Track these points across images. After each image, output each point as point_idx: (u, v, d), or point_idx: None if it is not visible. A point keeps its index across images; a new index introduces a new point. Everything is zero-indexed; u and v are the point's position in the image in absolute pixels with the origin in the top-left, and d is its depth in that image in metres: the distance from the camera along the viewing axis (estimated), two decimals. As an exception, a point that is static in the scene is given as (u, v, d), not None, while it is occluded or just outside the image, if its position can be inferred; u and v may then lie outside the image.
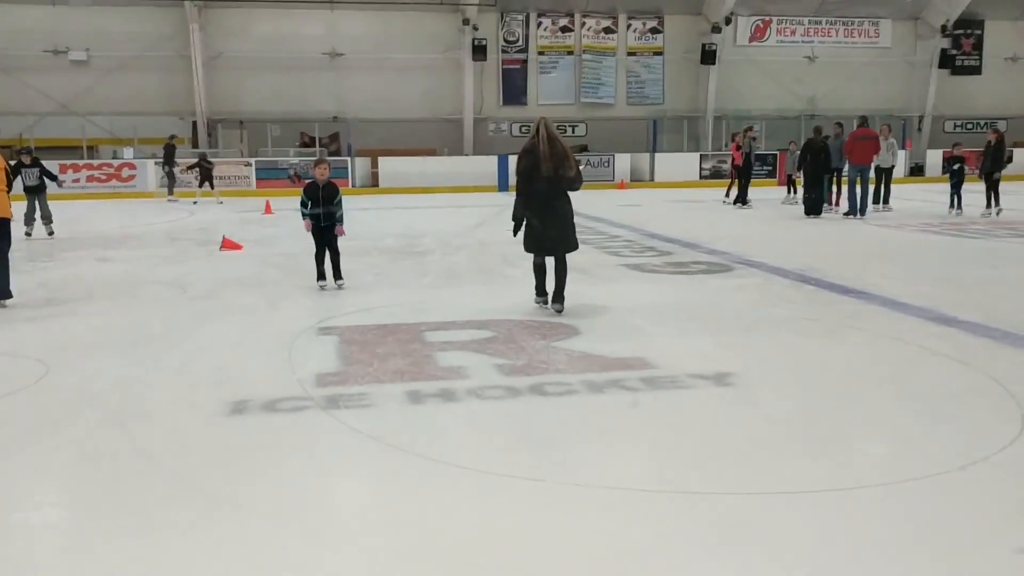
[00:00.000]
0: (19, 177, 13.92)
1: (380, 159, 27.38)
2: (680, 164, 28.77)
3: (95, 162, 25.79)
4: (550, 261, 7.53)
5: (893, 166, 17.90)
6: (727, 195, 20.57)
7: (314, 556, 3.10)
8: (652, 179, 28.44)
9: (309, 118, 28.00)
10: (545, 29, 29.80)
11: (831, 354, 6.08)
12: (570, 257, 7.55)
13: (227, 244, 12.30)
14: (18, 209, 10.67)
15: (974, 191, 16.92)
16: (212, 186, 21.97)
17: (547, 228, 7.34)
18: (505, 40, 29.56)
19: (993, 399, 4.92)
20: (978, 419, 4.56)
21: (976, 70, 32.43)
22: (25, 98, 26.16)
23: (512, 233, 7.61)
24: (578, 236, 7.71)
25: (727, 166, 23.69)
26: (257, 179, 25.98)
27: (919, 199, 20.57)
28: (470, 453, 4.14)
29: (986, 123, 28.12)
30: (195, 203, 21.60)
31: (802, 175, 17.38)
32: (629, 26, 30.35)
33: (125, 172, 25.59)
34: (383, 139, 27.78)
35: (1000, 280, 9.18)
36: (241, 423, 4.63)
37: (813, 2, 30.53)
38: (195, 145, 26.55)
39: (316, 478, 3.87)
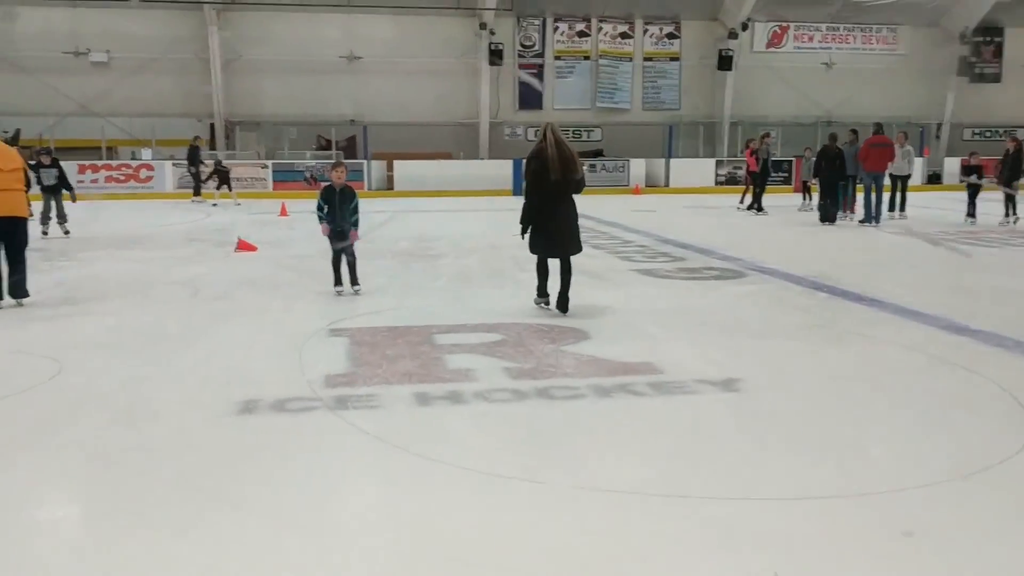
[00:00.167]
0: (37, 177, 14.12)
1: (396, 162, 27.50)
2: (696, 170, 28.77)
3: (114, 163, 26.04)
4: (554, 263, 7.66)
5: (909, 174, 17.81)
6: (742, 201, 20.55)
7: (316, 556, 3.12)
8: (667, 185, 28.42)
9: (326, 121, 28.16)
10: (562, 34, 29.85)
11: (840, 361, 6.06)
12: (582, 261, 7.64)
13: (242, 246, 12.38)
14: (35, 209, 10.79)
15: (992, 200, 16.80)
16: (230, 188, 22.11)
17: (554, 230, 7.51)
18: (522, 45, 29.62)
19: (1002, 409, 4.90)
20: (985, 428, 4.54)
21: (996, 78, 32.23)
22: (46, 99, 26.43)
23: (520, 235, 7.73)
24: (591, 240, 7.75)
25: (743, 172, 23.64)
26: (273, 181, 26.16)
27: (936, 207, 20.45)
28: (475, 455, 4.15)
29: (1005, 131, 27.93)
30: (214, 205, 21.75)
31: (817, 182, 17.33)
32: (646, 31, 30.36)
33: (143, 173, 25.82)
34: (399, 142, 27.89)
35: (1015, 290, 9.11)
36: (249, 423, 4.67)
37: (831, 8, 30.44)
38: (212, 147, 26.74)
39: (321, 478, 3.89)
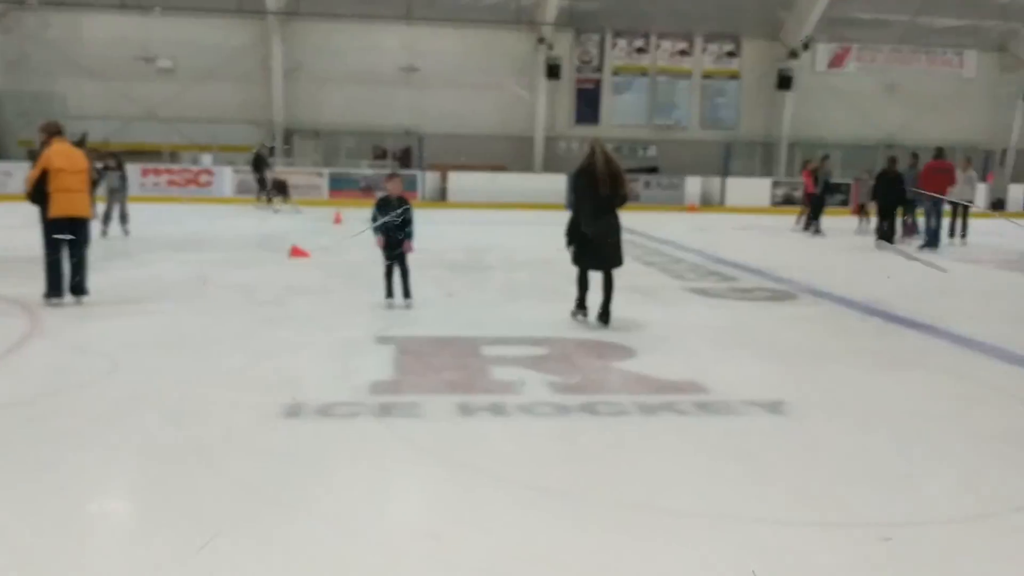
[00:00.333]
0: (104, 179, 14.54)
1: (450, 173, 27.68)
2: (752, 189, 28.47)
3: (175, 167, 26.63)
4: (595, 277, 7.76)
5: (972, 200, 17.41)
6: (798, 222, 20.29)
7: (355, 559, 3.15)
8: (722, 203, 28.17)
9: (382, 131, 28.48)
10: (620, 50, 29.82)
11: (891, 388, 5.95)
12: (633, 278, 7.64)
13: (296, 252, 12.55)
14: (98, 209, 11.06)
15: (1057, 228, 16.36)
16: (288, 196, 22.38)
17: (600, 244, 7.64)
18: (580, 60, 29.66)
19: (1059, 443, 4.76)
20: (1041, 462, 4.42)
21: (1064, 103, 31.40)
22: (113, 103, 27.14)
23: (566, 248, 7.85)
24: (643, 257, 7.77)
25: (799, 193, 23.34)
26: (330, 189, 26.51)
27: (999, 234, 19.97)
28: (515, 468, 4.16)
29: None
30: (276, 211, 22.08)
31: (875, 205, 17.04)
32: (705, 49, 30.18)
33: (203, 178, 26.36)
34: (454, 154, 28.06)
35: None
36: (295, 426, 4.73)
37: (896, 30, 29.96)
38: (270, 154, 27.20)
39: (363, 483, 3.93)
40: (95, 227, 10.27)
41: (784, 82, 29.36)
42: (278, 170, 23.71)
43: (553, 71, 28.46)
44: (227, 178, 26.21)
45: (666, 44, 29.96)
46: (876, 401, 5.61)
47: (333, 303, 8.77)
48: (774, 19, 29.54)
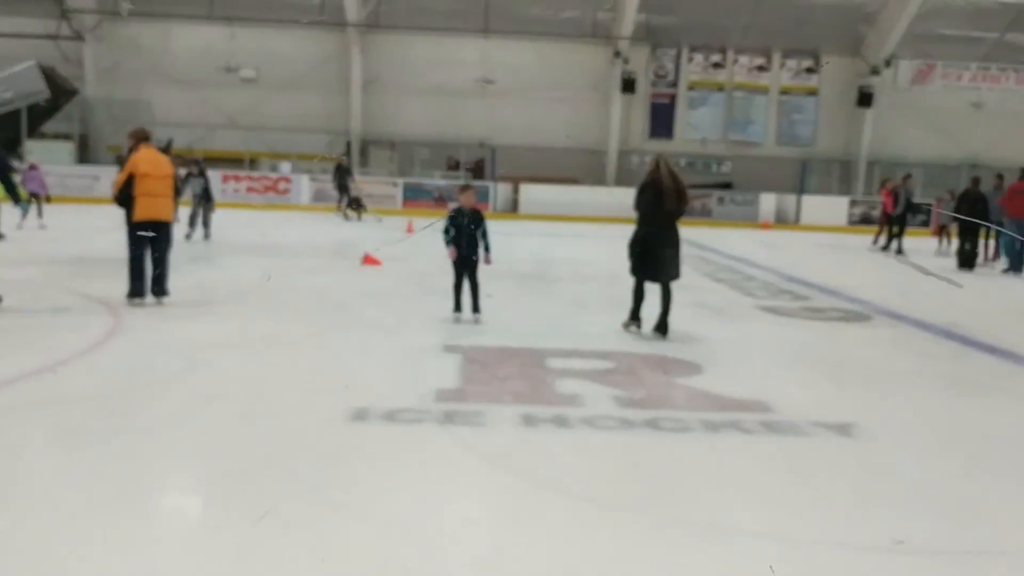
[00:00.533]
0: (188, 185, 15.04)
1: (522, 185, 27.80)
2: (828, 208, 27.92)
3: (255, 174, 27.32)
4: (651, 289, 7.91)
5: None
6: (875, 242, 19.85)
7: (415, 562, 3.20)
8: (797, 221, 27.70)
9: (456, 142, 28.78)
10: (696, 64, 29.61)
11: (965, 414, 5.79)
12: (703, 295, 7.60)
13: (368, 259, 12.76)
14: (183, 214, 11.42)
15: None
16: (365, 209, 22.72)
17: (662, 256, 7.78)
18: (655, 74, 29.54)
19: None
20: (1124, 497, 4.25)
21: None
22: (198, 111, 27.99)
23: (629, 259, 7.96)
24: (714, 274, 7.74)
25: (878, 212, 22.82)
26: (403, 199, 26.89)
27: (1089, 259, 19.18)
28: (576, 480, 4.17)
29: None
30: (347, 219, 22.46)
31: (957, 226, 16.57)
32: (783, 65, 29.78)
33: (281, 185, 26.98)
34: (526, 165, 28.18)
35: None
36: (360, 429, 4.82)
37: (982, 47, 29.14)
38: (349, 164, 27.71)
39: (424, 489, 3.98)
40: (179, 231, 10.60)
41: (864, 99, 28.78)
42: (358, 179, 24.08)
43: (628, 85, 28.40)
44: (304, 186, 26.79)
45: (743, 59, 29.65)
46: (949, 426, 5.47)
47: (402, 311, 8.89)
48: (855, 35, 29.00)
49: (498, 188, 27.32)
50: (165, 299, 8.55)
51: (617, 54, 28.37)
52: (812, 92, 29.89)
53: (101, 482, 3.90)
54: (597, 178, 29.04)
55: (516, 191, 27.93)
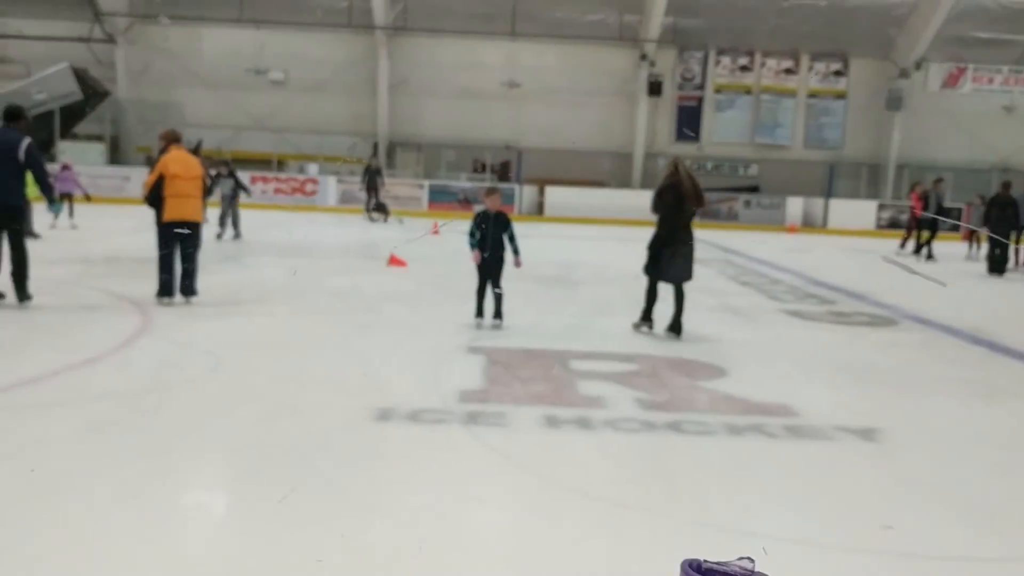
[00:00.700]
0: (217, 186, 15.22)
1: (547, 188, 27.82)
2: (856, 211, 27.70)
3: (282, 175, 27.54)
4: (664, 291, 8.02)
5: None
6: (903, 246, 19.69)
7: (433, 561, 3.23)
8: (825, 225, 27.50)
9: (482, 144, 28.84)
10: (723, 67, 29.49)
11: (992, 420, 5.74)
12: (728, 299, 7.62)
13: (393, 261, 12.81)
14: (212, 215, 11.55)
15: None
16: (389, 213, 22.85)
17: (680, 258, 7.89)
18: (682, 77, 29.45)
19: None
20: None
21: None
22: (227, 113, 28.27)
23: (648, 260, 8.05)
24: (739, 277, 7.78)
25: (906, 216, 22.62)
26: (429, 201, 27.00)
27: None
28: (598, 482, 4.18)
29: None
30: (373, 220, 22.57)
31: (987, 231, 16.40)
32: (811, 68, 29.58)
33: (308, 187, 27.19)
34: (552, 168, 28.20)
35: None
36: (383, 429, 4.86)
37: (1014, 50, 28.79)
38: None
39: (447, 489, 4.02)
40: (209, 231, 10.71)
41: (894, 102, 28.52)
42: (388, 181, 24.20)
43: (655, 88, 28.33)
44: (331, 187, 26.98)
45: (771, 62, 29.48)
46: (975, 432, 5.42)
47: (426, 312, 8.94)
48: (884, 38, 28.76)
49: (523, 190, 27.36)
50: (193, 299, 8.65)
51: (643, 57, 28.32)
52: (840, 95, 29.66)
53: (129, 477, 3.97)
54: (623, 181, 28.99)
55: (541, 193, 27.94)
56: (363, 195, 23.59)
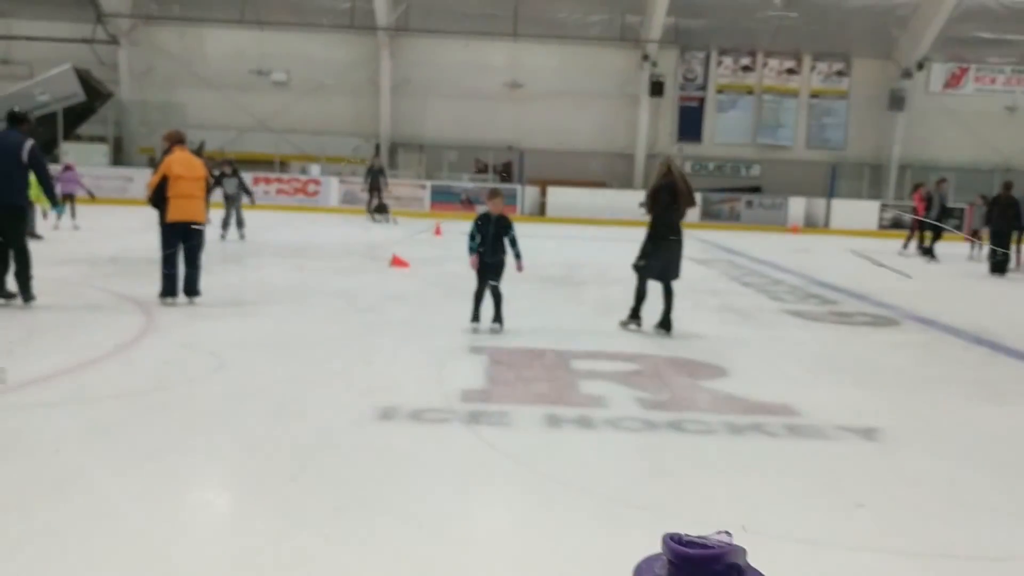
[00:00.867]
0: (220, 186, 15.30)
1: (549, 188, 27.85)
2: (858, 212, 27.70)
3: (285, 176, 27.60)
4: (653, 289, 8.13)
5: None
6: (905, 247, 19.70)
7: (432, 560, 3.26)
8: (827, 225, 27.51)
9: (485, 145, 28.88)
10: (725, 68, 29.50)
11: (994, 420, 5.75)
12: (730, 299, 7.65)
13: (396, 261, 12.85)
14: (216, 215, 11.56)
15: None
16: (388, 215, 22.89)
17: (673, 256, 8.01)
18: (684, 77, 29.47)
19: None
20: None
21: None
22: (229, 114, 28.33)
23: (641, 260, 8.10)
24: (741, 278, 7.83)
25: (909, 216, 22.62)
26: (431, 202, 27.03)
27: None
28: (599, 481, 4.20)
29: None
30: (376, 221, 22.59)
31: (989, 231, 16.41)
32: (813, 68, 29.59)
33: (311, 188, 27.23)
34: (554, 169, 28.24)
35: None
36: (387, 428, 4.89)
37: (1018, 50, 28.78)
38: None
39: (450, 488, 4.04)
40: (213, 232, 10.74)
41: (896, 102, 28.53)
42: (391, 182, 24.23)
43: (657, 88, 28.36)
44: (333, 188, 27.03)
45: (773, 62, 29.49)
46: (976, 432, 5.44)
47: (429, 312, 8.96)
48: (887, 38, 28.76)
49: (526, 191, 27.39)
50: (197, 299, 8.68)
51: (645, 57, 28.34)
52: (843, 95, 29.67)
53: (134, 476, 4.00)
54: (625, 181, 29.00)
55: (544, 194, 27.97)
56: (365, 195, 23.64)
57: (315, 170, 27.88)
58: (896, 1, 27.58)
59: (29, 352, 6.56)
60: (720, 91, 29.61)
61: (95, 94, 26.69)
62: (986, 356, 8.01)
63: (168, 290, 8.52)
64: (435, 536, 3.46)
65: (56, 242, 13.88)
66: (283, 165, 28.47)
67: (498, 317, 7.91)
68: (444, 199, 27.04)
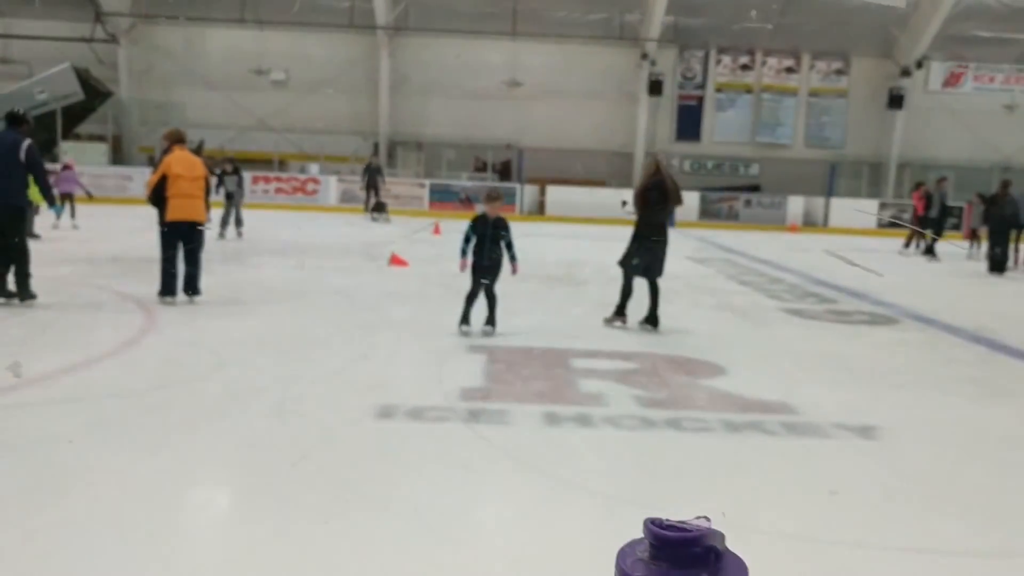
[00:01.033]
0: (222, 184, 15.37)
1: (548, 187, 27.86)
2: (870, 211, 27.69)
3: (284, 175, 27.62)
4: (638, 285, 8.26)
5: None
6: (906, 245, 19.74)
7: (432, 556, 3.28)
8: (826, 224, 27.55)
9: (484, 144, 28.91)
10: (724, 66, 29.53)
11: (993, 418, 5.77)
12: (728, 298, 7.68)
13: (395, 260, 12.87)
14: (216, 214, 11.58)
15: None
16: (386, 214, 22.92)
17: (659, 254, 8.15)
18: (683, 76, 29.49)
19: None
20: None
21: None
22: (229, 113, 28.36)
23: (630, 258, 8.23)
24: (739, 277, 7.89)
25: (908, 215, 22.68)
26: (430, 200, 27.05)
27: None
28: (598, 478, 4.23)
29: None
30: (374, 220, 22.63)
31: (987, 230, 16.44)
32: (813, 66, 29.62)
33: (310, 186, 27.25)
34: (553, 168, 28.27)
35: None
36: (387, 427, 4.91)
37: (1017, 49, 28.81)
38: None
39: (447, 484, 4.06)
40: (212, 230, 10.76)
41: (895, 101, 28.56)
42: (388, 180, 24.27)
43: (655, 87, 28.38)
44: (332, 187, 27.05)
45: (772, 61, 29.52)
46: (974, 430, 5.46)
47: (428, 311, 8.98)
48: (886, 37, 28.79)
49: (525, 190, 27.41)
50: (197, 298, 8.70)
51: (644, 56, 28.37)
52: (842, 94, 29.70)
53: (135, 474, 4.02)
54: (624, 180, 29.01)
55: (543, 193, 27.99)
56: (363, 194, 23.69)
57: (314, 169, 27.91)
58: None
59: (30, 351, 6.57)
60: (719, 90, 29.64)
61: (94, 93, 26.69)
62: (984, 354, 8.03)
63: (168, 289, 8.53)
64: (434, 533, 3.48)
65: (55, 241, 13.90)
66: (282, 164, 28.50)
67: (491, 320, 7.70)
68: (443, 198, 27.06)
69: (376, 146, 28.22)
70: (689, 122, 29.76)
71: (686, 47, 29.19)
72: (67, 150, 25.40)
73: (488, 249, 7.58)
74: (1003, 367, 7.54)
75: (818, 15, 27.91)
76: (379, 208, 22.84)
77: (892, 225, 23.52)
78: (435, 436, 4.79)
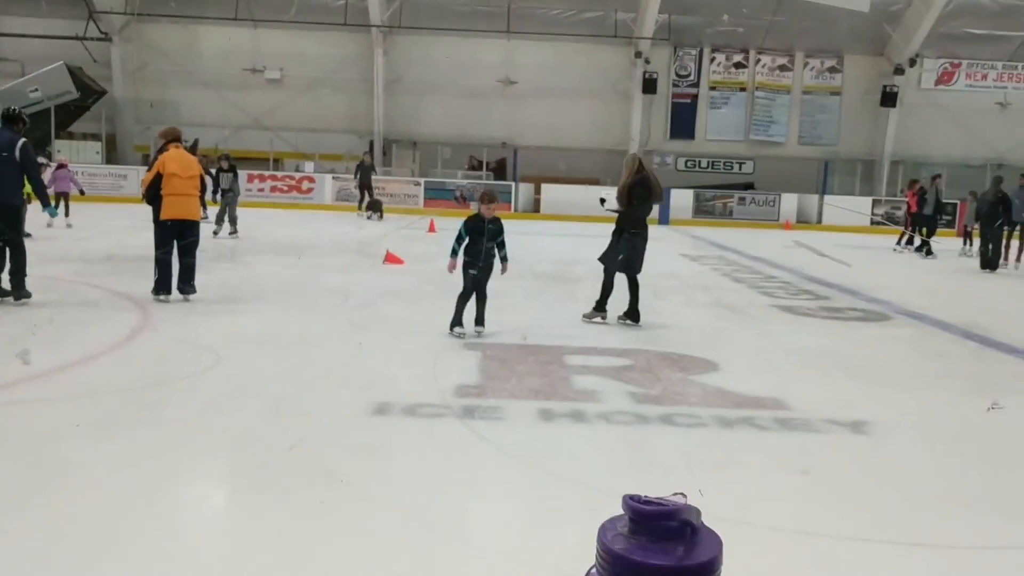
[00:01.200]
0: (218, 182, 15.41)
1: (543, 186, 27.90)
2: (851, 208, 27.80)
3: (279, 174, 27.62)
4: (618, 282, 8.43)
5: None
6: (899, 243, 19.82)
7: (427, 550, 3.32)
8: (819, 222, 27.63)
9: (478, 142, 28.93)
10: (718, 64, 29.59)
11: (983, 413, 5.81)
12: (722, 295, 7.72)
13: (390, 258, 12.89)
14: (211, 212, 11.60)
15: None
16: (381, 213, 22.97)
17: (639, 250, 8.36)
18: (677, 74, 29.54)
19: None
20: None
21: None
22: (223, 111, 28.34)
23: (623, 253, 8.39)
24: (733, 274, 7.98)
25: (902, 212, 22.77)
26: (425, 199, 27.07)
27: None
28: (591, 473, 4.27)
29: None
30: (368, 218, 22.64)
31: (979, 227, 16.53)
32: (806, 64, 29.70)
33: (305, 185, 27.26)
34: (548, 166, 28.30)
35: None
36: (382, 423, 4.94)
37: (1009, 46, 28.91)
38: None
39: (444, 481, 4.09)
40: (206, 228, 10.76)
41: (888, 99, 28.65)
42: (382, 178, 24.30)
43: (649, 85, 28.43)
44: (327, 185, 27.06)
45: (766, 59, 29.59)
46: (965, 425, 5.51)
47: (424, 309, 9.01)
48: (879, 35, 28.86)
49: (520, 188, 27.44)
50: (192, 296, 8.72)
51: (638, 54, 28.42)
52: (835, 92, 29.79)
53: (132, 472, 4.04)
54: (618, 178, 29.01)
55: (538, 191, 28.03)
56: (356, 192, 23.73)
57: (309, 167, 27.91)
58: (888, -2, 27.70)
59: (25, 348, 6.58)
60: (713, 88, 29.70)
61: (88, 91, 26.68)
62: (976, 350, 8.09)
63: (162, 287, 8.56)
64: (429, 528, 3.52)
65: (49, 240, 13.90)
66: (277, 162, 28.49)
67: (480, 319, 7.62)
68: (438, 196, 27.09)
69: (371, 144, 28.22)
70: (683, 120, 29.81)
71: (680, 45, 29.24)
72: (60, 148, 25.38)
73: (485, 250, 7.53)
74: (993, 362, 7.60)
75: (811, 13, 27.92)
76: (374, 207, 22.87)
77: (878, 224, 23.69)
78: (431, 433, 4.83)
